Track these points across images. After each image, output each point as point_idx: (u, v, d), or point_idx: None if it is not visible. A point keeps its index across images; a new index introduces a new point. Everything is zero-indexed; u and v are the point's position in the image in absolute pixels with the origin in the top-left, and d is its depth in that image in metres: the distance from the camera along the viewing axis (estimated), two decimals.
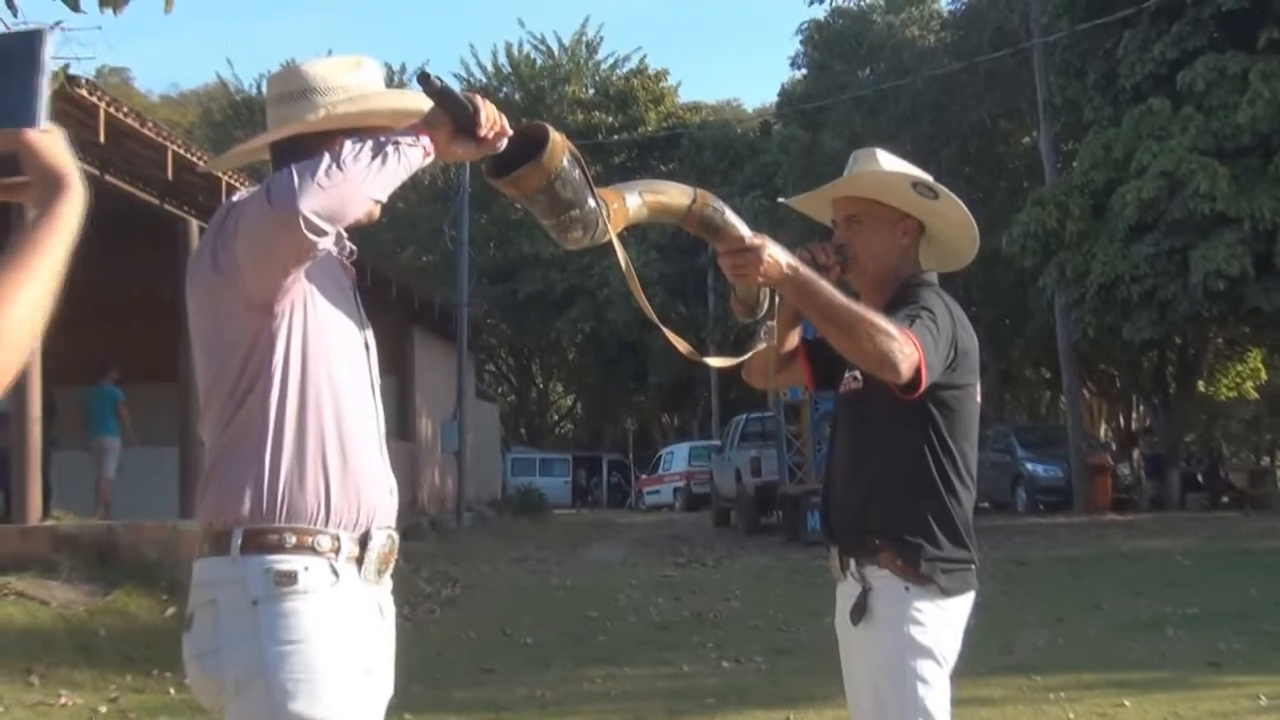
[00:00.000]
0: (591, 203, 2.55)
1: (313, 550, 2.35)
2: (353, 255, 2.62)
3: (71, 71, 6.71)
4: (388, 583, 2.52)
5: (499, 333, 42.36)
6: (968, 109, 31.20)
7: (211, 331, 2.42)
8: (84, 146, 11.29)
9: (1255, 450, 40.19)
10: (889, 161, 3.24)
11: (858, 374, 3.12)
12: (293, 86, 2.53)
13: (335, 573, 2.36)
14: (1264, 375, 36.48)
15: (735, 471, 25.88)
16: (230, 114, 47.77)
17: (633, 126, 45.40)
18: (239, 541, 2.34)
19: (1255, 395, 38.31)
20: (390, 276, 21.62)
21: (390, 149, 2.29)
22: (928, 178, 3.21)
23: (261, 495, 2.35)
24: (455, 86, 2.42)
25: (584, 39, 49.11)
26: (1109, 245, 22.66)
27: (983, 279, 27.07)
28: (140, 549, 11.44)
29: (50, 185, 1.68)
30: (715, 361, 3.27)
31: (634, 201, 2.75)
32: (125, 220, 12.79)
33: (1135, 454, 32.23)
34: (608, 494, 46.50)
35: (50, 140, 1.71)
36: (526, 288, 42.52)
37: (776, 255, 2.79)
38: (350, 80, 2.54)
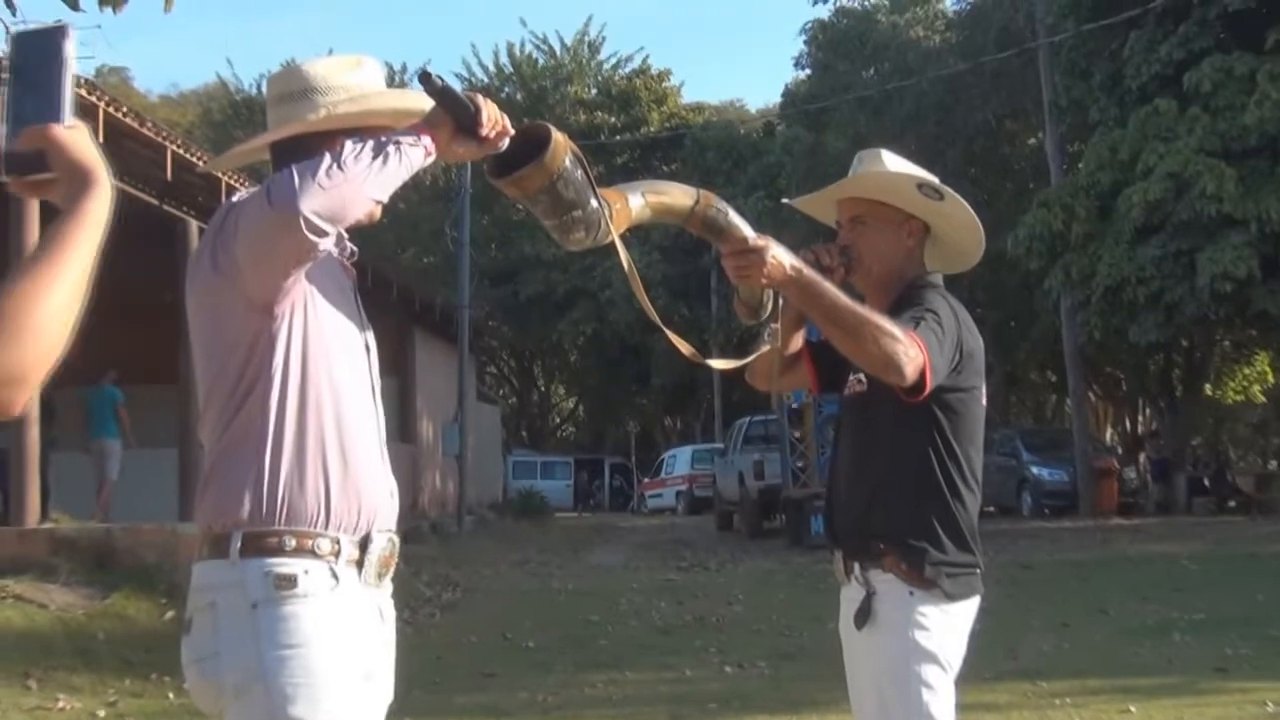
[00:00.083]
0: (594, 203, 2.55)
1: (313, 553, 2.35)
2: (353, 256, 2.62)
3: None
4: (388, 586, 2.52)
5: (500, 334, 42.40)
6: (973, 110, 31.21)
7: (211, 333, 2.42)
8: None
9: (1262, 454, 40.14)
10: (894, 162, 3.24)
11: (862, 377, 3.11)
12: (293, 86, 2.53)
13: (335, 576, 2.36)
14: (1271, 379, 36.46)
15: (738, 475, 25.89)
16: (230, 114, 47.83)
17: (635, 127, 45.43)
18: (238, 545, 2.34)
19: (1262, 399, 38.28)
20: (391, 277, 21.64)
21: (391, 149, 2.28)
22: (933, 179, 3.21)
23: (261, 498, 2.35)
24: (456, 86, 2.42)
25: (586, 39, 49.19)
26: (1115, 247, 22.64)
27: (988, 281, 27.08)
28: (139, 552, 11.44)
29: (78, 181, 1.68)
30: (718, 364, 3.26)
31: (636, 202, 2.75)
32: (124, 221, 12.74)
33: (1141, 458, 32.20)
34: (610, 497, 46.52)
35: (77, 136, 1.71)
36: (528, 289, 42.54)
37: (780, 257, 2.79)
38: (351, 80, 2.54)
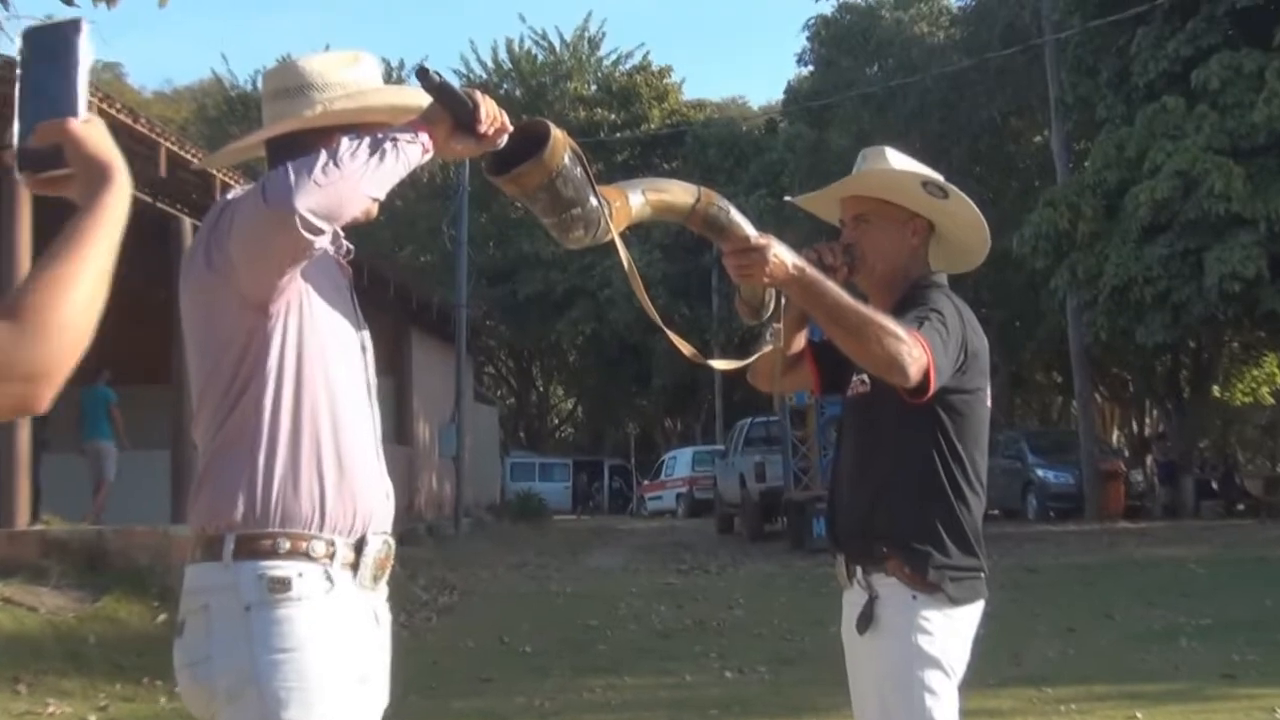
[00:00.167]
0: (593, 201, 2.55)
1: (307, 556, 2.35)
2: (350, 254, 2.61)
3: None
4: (383, 589, 2.51)
5: (498, 334, 42.40)
6: (978, 107, 31.25)
7: (205, 331, 2.42)
8: None
9: (1271, 457, 40.13)
10: (898, 160, 3.24)
11: (865, 377, 3.11)
12: (289, 82, 2.53)
13: (330, 579, 2.36)
14: None
15: (739, 477, 25.89)
16: (224, 110, 47.81)
17: (636, 124, 45.45)
18: (232, 547, 2.34)
19: (1271, 401, 38.29)
20: (388, 276, 21.63)
21: (388, 146, 2.28)
22: (938, 177, 3.21)
23: (255, 499, 2.35)
24: (454, 82, 2.42)
25: (586, 35, 49.21)
26: (1122, 246, 22.66)
27: (993, 280, 27.11)
28: (131, 554, 11.44)
29: (95, 176, 1.68)
30: (720, 364, 3.26)
31: (636, 200, 2.74)
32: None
33: (1148, 460, 32.24)
34: (609, 500, 46.54)
35: (93, 130, 1.71)
36: (527, 288, 42.55)
37: (782, 255, 2.79)
38: (348, 76, 2.54)
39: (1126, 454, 33.45)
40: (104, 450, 15.84)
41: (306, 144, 2.36)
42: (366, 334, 2.58)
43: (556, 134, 2.45)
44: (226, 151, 2.89)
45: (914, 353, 2.78)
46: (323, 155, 2.22)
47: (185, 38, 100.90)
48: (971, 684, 3.15)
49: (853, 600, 3.12)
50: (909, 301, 3.08)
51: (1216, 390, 33.62)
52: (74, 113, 1.70)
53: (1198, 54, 22.49)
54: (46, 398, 1.56)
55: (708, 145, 41.61)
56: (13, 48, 11.86)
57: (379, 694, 2.50)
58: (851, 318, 2.78)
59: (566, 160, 2.47)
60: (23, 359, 1.52)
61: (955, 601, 3.00)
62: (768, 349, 3.26)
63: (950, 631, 3.00)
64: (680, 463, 40.20)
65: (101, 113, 11.91)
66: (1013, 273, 26.43)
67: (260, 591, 2.31)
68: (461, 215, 27.85)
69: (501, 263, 43.32)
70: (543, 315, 42.96)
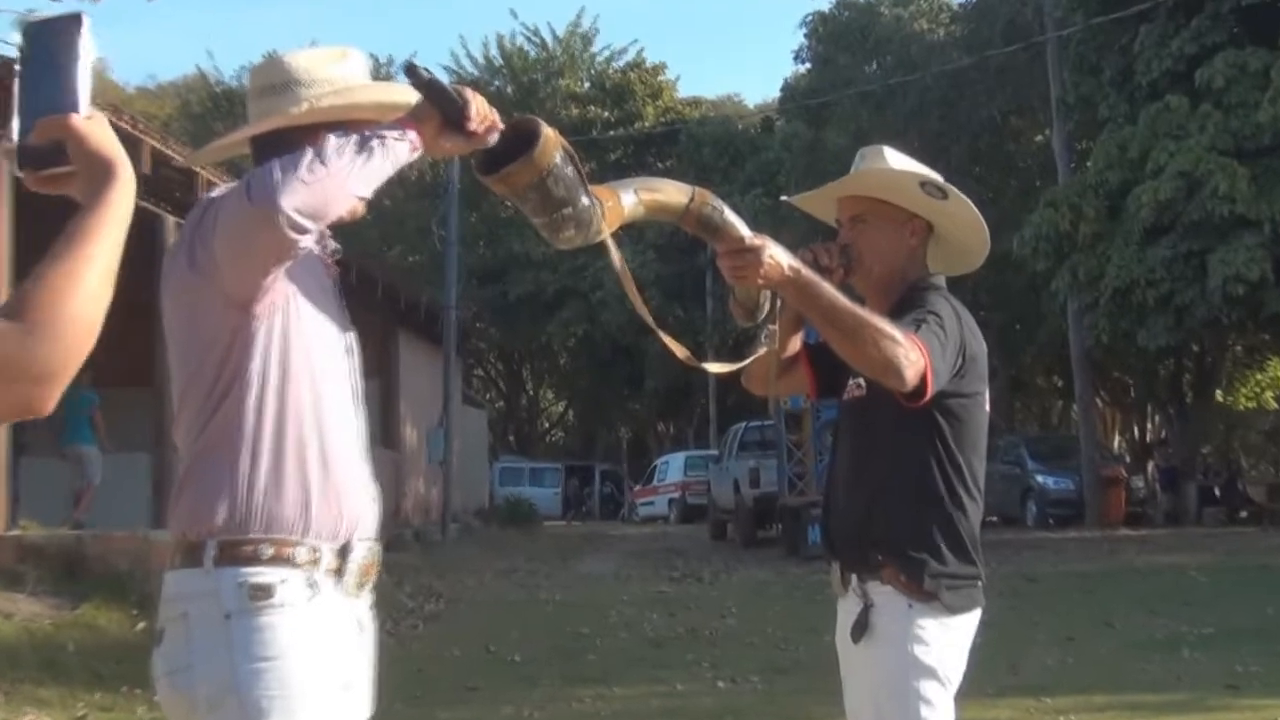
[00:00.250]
0: (585, 201, 2.55)
1: (290, 562, 2.34)
2: (336, 254, 2.61)
3: None
4: (368, 596, 2.51)
5: (488, 336, 42.39)
6: (978, 105, 31.27)
7: (188, 332, 2.42)
8: None
9: (1275, 463, 40.15)
10: (896, 159, 3.24)
11: (861, 381, 3.12)
12: (275, 78, 2.54)
13: (313, 586, 2.36)
14: None
15: (733, 482, 25.89)
16: (209, 106, 47.77)
17: (629, 122, 45.47)
18: (213, 553, 2.33)
19: (1275, 405, 38.34)
20: (375, 276, 21.61)
21: (376, 144, 2.28)
22: (936, 177, 3.21)
23: (237, 504, 2.34)
24: (444, 79, 2.43)
25: (579, 31, 49.20)
26: (1124, 248, 22.68)
27: (993, 282, 27.11)
28: (110, 560, 11.41)
29: (98, 173, 1.68)
30: (714, 367, 3.27)
31: (629, 200, 2.74)
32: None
33: (1150, 466, 32.26)
34: (600, 505, 46.53)
35: (96, 126, 1.71)
36: (517, 289, 42.54)
37: (777, 256, 2.79)
38: (335, 72, 2.54)
39: (1128, 459, 33.47)
40: (86, 455, 15.77)
41: (293, 141, 2.36)
42: (353, 336, 2.58)
43: (547, 132, 2.46)
44: (211, 148, 2.90)
45: (911, 356, 2.79)
46: (309, 153, 2.22)
47: (170, 32, 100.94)
48: (968, 694, 3.16)
49: (848, 608, 3.12)
50: (906, 304, 3.08)
51: (1220, 395, 33.65)
52: (75, 108, 1.69)
53: (1202, 52, 22.52)
54: (52, 399, 1.57)
55: (702, 144, 41.62)
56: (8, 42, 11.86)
57: (363, 702, 2.49)
58: (847, 320, 2.79)
59: (558, 159, 2.47)
60: (30, 360, 1.52)
61: (952, 610, 3.01)
62: (762, 352, 3.27)
63: (946, 641, 3.00)
64: (673, 468, 40.20)
65: None
66: (1013, 274, 26.44)
67: (241, 599, 2.30)
68: (451, 214, 27.85)
69: (492, 263, 43.32)
70: (533, 317, 42.96)
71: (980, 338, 3.15)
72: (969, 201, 3.22)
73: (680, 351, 2.95)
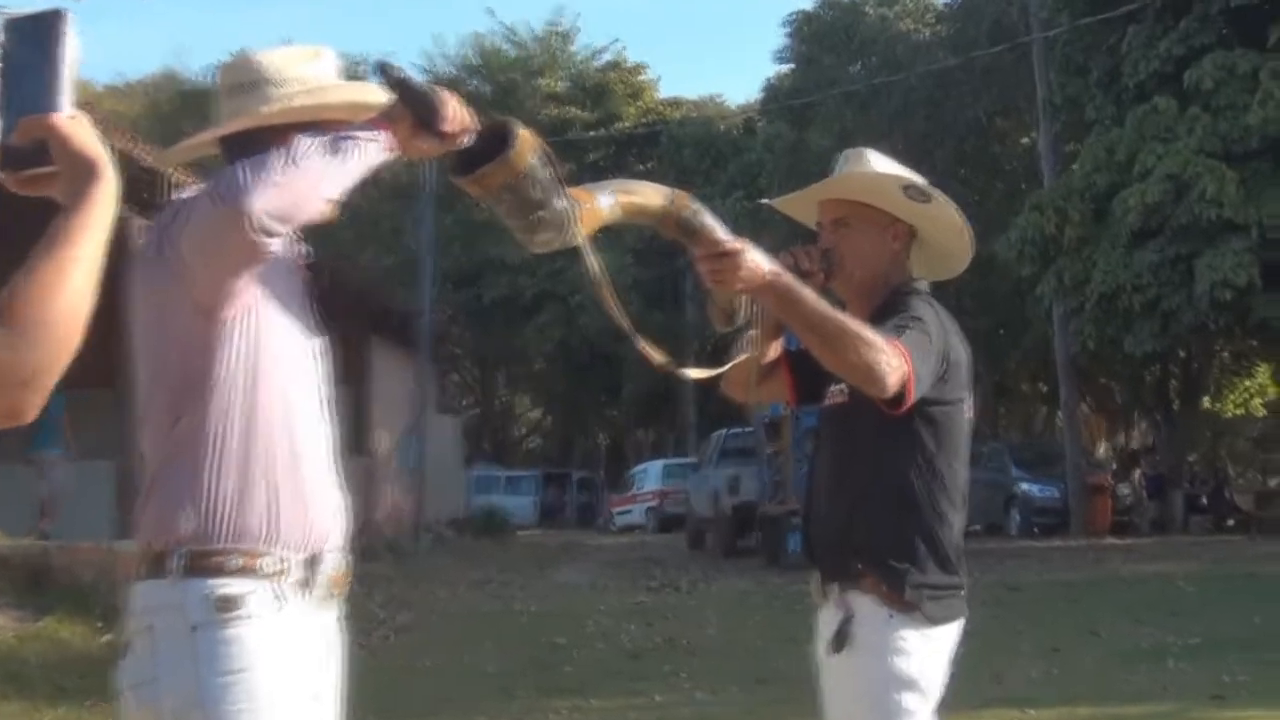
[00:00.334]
0: (561, 203, 2.55)
1: (257, 573, 2.34)
2: (308, 258, 2.61)
3: None
4: (339, 608, 2.51)
5: (463, 341, 42.32)
6: (963, 107, 31.38)
7: (154, 336, 2.41)
8: None
9: (1262, 470, 40.25)
10: (879, 162, 3.25)
11: (843, 387, 3.12)
12: (245, 77, 2.53)
13: (281, 597, 2.35)
14: (1272, 391, 36.64)
15: (713, 490, 25.89)
16: (178, 106, 47.60)
17: (609, 122, 45.50)
18: (179, 564, 2.32)
19: (1263, 412, 38.47)
20: (347, 280, 21.58)
21: (347, 145, 2.28)
22: (920, 180, 3.22)
23: (204, 514, 2.33)
24: (418, 79, 2.43)
25: (558, 29, 49.19)
26: (1110, 252, 22.77)
27: (977, 287, 27.15)
28: (75, 571, 11.37)
29: (81, 173, 1.68)
30: (692, 373, 3.26)
31: (607, 202, 2.74)
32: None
33: (1136, 474, 32.29)
34: (577, 513, 46.47)
35: (78, 126, 1.70)
36: (493, 293, 42.50)
37: (757, 260, 2.79)
38: (306, 72, 2.54)
39: (1114, 467, 33.51)
40: (53, 461, 15.70)
41: (263, 142, 2.36)
42: (323, 341, 2.57)
43: (523, 133, 2.46)
44: (180, 149, 2.89)
45: (893, 362, 2.79)
46: (279, 154, 2.22)
47: (139, 30, 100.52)
48: (951, 705, 3.16)
49: (827, 619, 3.12)
50: (888, 309, 3.09)
51: (1207, 401, 33.80)
52: (58, 108, 1.69)
53: (1190, 54, 22.62)
54: (38, 403, 1.57)
55: (683, 145, 41.68)
56: None
57: (332, 714, 2.49)
58: (828, 325, 2.79)
59: (533, 160, 2.47)
60: (17, 363, 1.52)
61: (933, 620, 3.01)
62: (742, 357, 3.27)
63: (928, 652, 3.01)
64: (650, 475, 40.18)
65: None
66: (997, 279, 26.52)
67: (208, 610, 2.29)
68: (427, 216, 27.82)
69: (467, 266, 43.24)
70: (509, 321, 42.93)
71: (964, 344, 3.16)
72: (953, 205, 3.23)
73: (657, 357, 2.95)
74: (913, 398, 2.88)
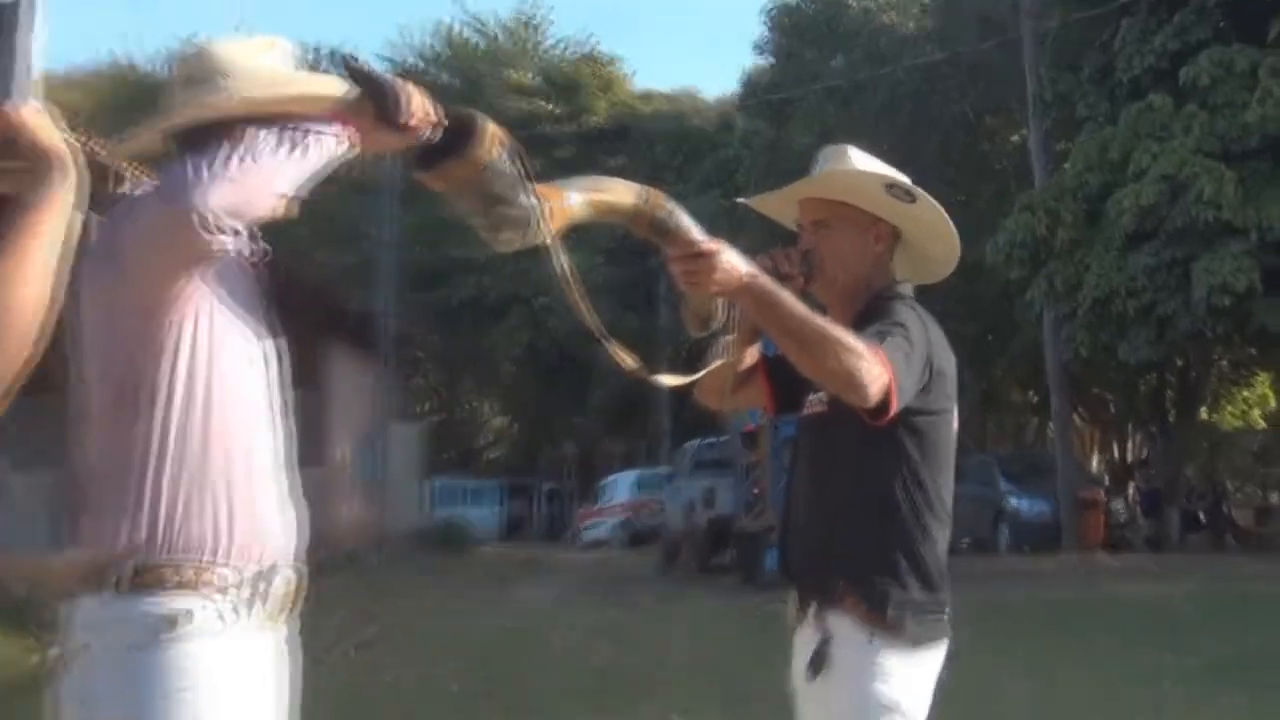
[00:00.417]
0: (528, 200, 2.55)
1: (204, 589, 2.32)
2: (265, 256, 2.60)
3: None
4: (292, 624, 2.50)
5: (426, 344, 42.23)
6: (950, 103, 31.45)
7: (101, 336, 2.40)
8: None
9: (1262, 485, 40.51)
10: (861, 160, 3.26)
11: (823, 396, 3.12)
12: (198, 69, 2.52)
13: (229, 614, 2.34)
14: (1272, 402, 36.79)
15: (687, 503, 25.86)
16: (128, 97, 47.40)
17: (578, 116, 45.52)
18: (120, 578, 2.31)
19: (1263, 424, 38.63)
20: (304, 279, 21.53)
21: (304, 139, 2.28)
22: (904, 179, 3.23)
23: (148, 525, 2.32)
24: (380, 70, 2.43)
25: (528, 20, 49.20)
26: (1104, 255, 22.83)
27: (964, 291, 27.18)
28: (7, 586, 11.29)
29: (42, 167, 1.67)
30: (665, 379, 3.26)
31: (576, 200, 2.74)
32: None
33: (1131, 488, 32.43)
34: (543, 526, 46.41)
35: (39, 119, 1.69)
36: (458, 294, 42.41)
37: (733, 262, 2.79)
38: (262, 63, 2.53)
39: (1107, 481, 33.67)
40: None
41: (217, 135, 2.35)
42: (279, 344, 2.56)
43: (487, 126, 2.46)
44: (129, 142, 2.88)
45: (874, 370, 2.79)
46: (231, 148, 2.22)
47: (88, 18, 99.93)
48: None
49: (804, 641, 3.11)
50: (871, 314, 3.09)
51: (1204, 412, 33.90)
52: (17, 98, 1.68)
53: (1186, 49, 22.70)
54: (2, 402, 1.56)
55: (656, 141, 41.73)
56: None
57: None
58: (807, 331, 2.79)
59: (499, 155, 2.47)
60: None
61: (916, 642, 3.01)
62: (717, 363, 3.27)
63: (910, 675, 3.00)
64: (621, 487, 40.06)
65: None
66: (985, 283, 26.56)
67: (149, 629, 2.28)
68: (388, 214, 27.77)
69: (430, 266, 43.15)
70: (475, 324, 42.84)
71: (949, 351, 3.16)
72: (938, 205, 3.23)
73: (629, 362, 2.95)
74: (896, 407, 2.88)
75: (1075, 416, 33.05)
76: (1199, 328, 22.32)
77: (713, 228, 2.97)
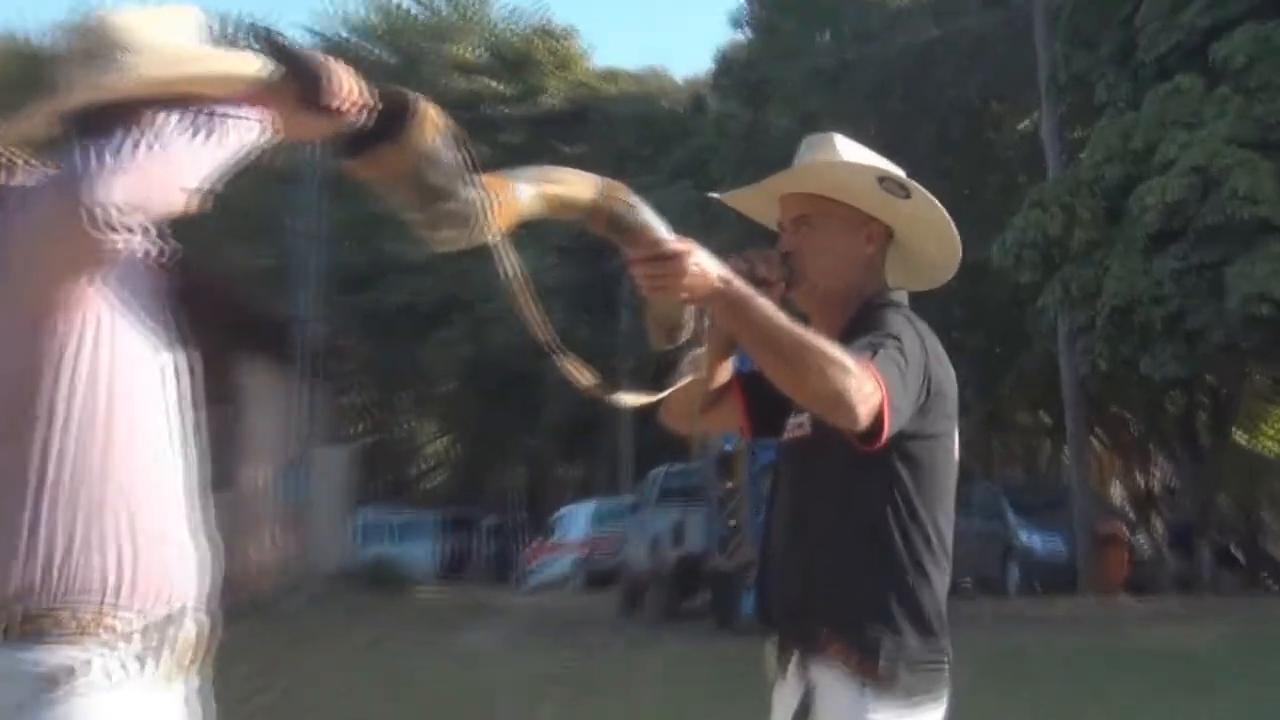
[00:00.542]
0: (470, 193, 2.55)
1: (99, 637, 2.32)
2: (173, 256, 2.59)
3: None
4: (199, 676, 2.49)
5: (355, 356, 42.10)
6: (950, 85, 31.53)
7: None
8: None
9: None
10: (849, 150, 3.26)
11: (805, 418, 3.12)
12: (94, 42, 2.51)
13: (129, 666, 2.34)
14: None
15: (652, 539, 25.80)
16: (19, 74, 47.17)
17: (530, 97, 45.49)
18: (9, 625, 2.30)
19: None
20: (217, 282, 21.44)
21: (217, 124, 2.28)
22: (898, 172, 3.23)
23: (34, 565, 2.31)
24: (303, 46, 2.43)
25: None
26: (1125, 258, 22.89)
27: (967, 296, 27.31)
28: None
29: None
30: (626, 399, 3.26)
31: (525, 193, 2.74)
32: None
33: (1156, 521, 32.60)
34: (487, 565, 46.26)
35: None
36: (390, 298, 42.29)
37: (704, 265, 2.78)
38: (170, 37, 2.53)
39: (1129, 513, 33.80)
40: None
41: (117, 119, 2.35)
42: (187, 355, 2.56)
43: (424, 108, 2.46)
44: (16, 125, 2.87)
45: (865, 389, 2.77)
46: (129, 135, 2.21)
47: None
48: None
49: (784, 697, 3.11)
50: (860, 324, 3.09)
51: (1239, 435, 34.04)
52: None
53: (1219, 25, 22.77)
54: None
55: (619, 125, 41.74)
56: None
57: None
58: (788, 343, 2.77)
59: (437, 141, 2.47)
60: None
61: (912, 696, 3.00)
62: (686, 380, 3.27)
63: None
64: (576, 521, 39.89)
65: None
66: (992, 288, 26.65)
67: (37, 683, 2.27)
68: (311, 208, 27.70)
69: (360, 266, 43.04)
70: (410, 332, 42.74)
71: (949, 368, 3.15)
72: (936, 202, 3.24)
73: (585, 379, 2.95)
74: (889, 431, 2.87)
75: (1093, 439, 33.16)
76: (1233, 340, 22.37)
77: (682, 224, 2.96)
